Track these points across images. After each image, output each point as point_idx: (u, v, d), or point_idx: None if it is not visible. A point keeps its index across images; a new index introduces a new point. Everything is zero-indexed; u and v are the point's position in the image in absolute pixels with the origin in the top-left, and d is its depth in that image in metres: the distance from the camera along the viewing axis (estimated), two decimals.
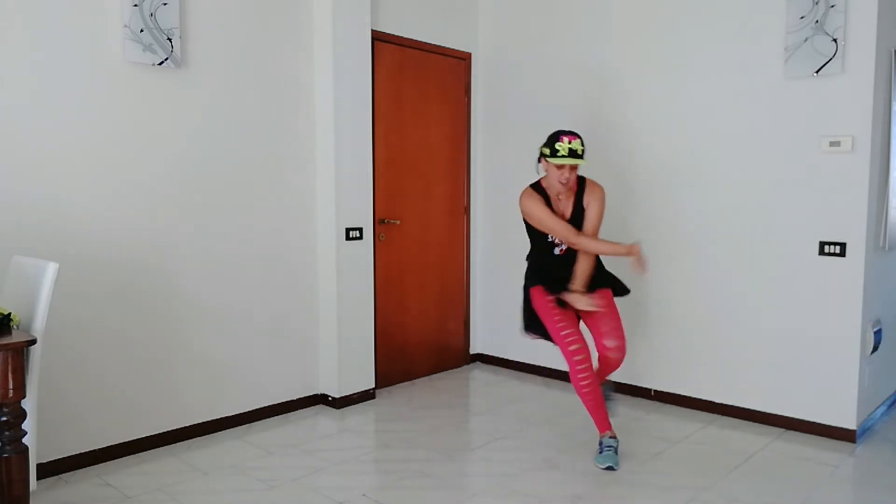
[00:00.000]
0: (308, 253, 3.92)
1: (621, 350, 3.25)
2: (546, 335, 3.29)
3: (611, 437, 3.18)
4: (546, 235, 3.24)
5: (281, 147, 3.75)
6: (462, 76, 4.74)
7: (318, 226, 3.93)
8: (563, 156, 3.03)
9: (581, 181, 3.23)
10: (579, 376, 3.12)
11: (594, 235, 3.22)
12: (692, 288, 3.88)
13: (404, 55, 4.33)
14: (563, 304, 3.21)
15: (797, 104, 3.45)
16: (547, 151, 3.11)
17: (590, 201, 3.22)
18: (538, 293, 3.27)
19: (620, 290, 3.36)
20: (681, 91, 3.85)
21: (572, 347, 3.12)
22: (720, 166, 3.73)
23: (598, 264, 3.32)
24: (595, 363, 3.29)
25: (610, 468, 3.08)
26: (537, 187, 3.26)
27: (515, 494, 2.84)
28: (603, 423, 3.19)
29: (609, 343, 3.22)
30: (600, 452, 3.15)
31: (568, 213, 3.22)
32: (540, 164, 3.21)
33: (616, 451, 3.14)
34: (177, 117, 3.31)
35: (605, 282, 3.32)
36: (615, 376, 4.21)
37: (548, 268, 3.28)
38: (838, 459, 3.21)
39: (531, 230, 3.31)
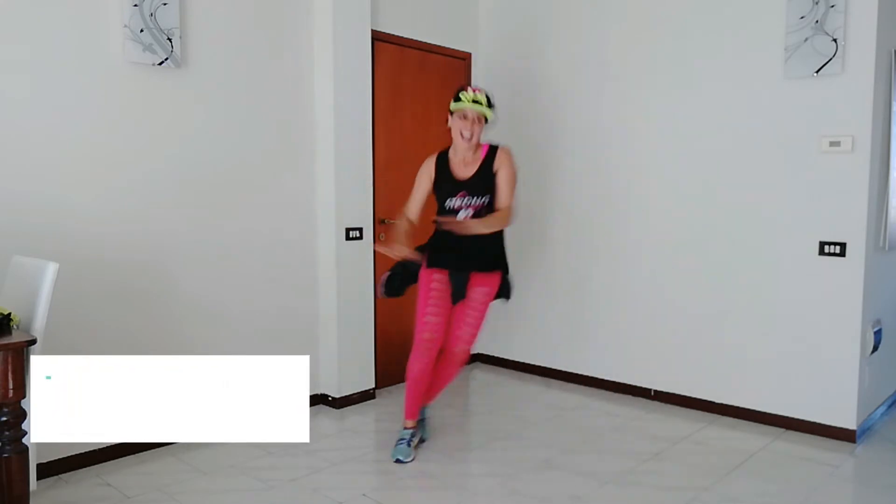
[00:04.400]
0: (308, 253, 3.91)
1: (465, 356, 3.29)
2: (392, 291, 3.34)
3: (406, 429, 3.26)
4: (444, 201, 3.17)
5: (281, 147, 3.75)
6: (462, 76, 4.74)
7: (318, 226, 3.93)
8: (463, 103, 3.07)
9: (492, 149, 3.17)
10: (414, 364, 3.19)
11: (506, 208, 3.13)
12: (692, 288, 3.88)
13: (404, 55, 4.33)
14: (456, 292, 3.17)
15: (797, 104, 3.44)
16: (452, 105, 3.13)
17: (499, 167, 3.13)
18: (426, 274, 3.21)
19: (505, 290, 3.31)
20: (681, 91, 3.85)
21: (425, 335, 3.17)
22: (720, 166, 3.73)
23: (498, 242, 3.23)
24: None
25: (398, 461, 3.13)
26: (442, 153, 3.25)
27: (515, 494, 2.84)
28: (409, 412, 3.27)
29: (458, 348, 3.24)
30: (396, 444, 3.22)
31: (470, 175, 3.13)
32: (449, 125, 3.17)
33: (409, 444, 3.20)
34: (177, 117, 3.31)
35: (496, 265, 3.23)
36: (616, 373, 4.21)
37: (444, 239, 3.14)
38: (838, 459, 3.20)
39: (435, 195, 3.25)
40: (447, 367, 3.29)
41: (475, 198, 3.12)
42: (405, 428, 3.27)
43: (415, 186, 3.27)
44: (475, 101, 3.08)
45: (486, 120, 3.14)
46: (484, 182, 3.13)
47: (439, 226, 3.14)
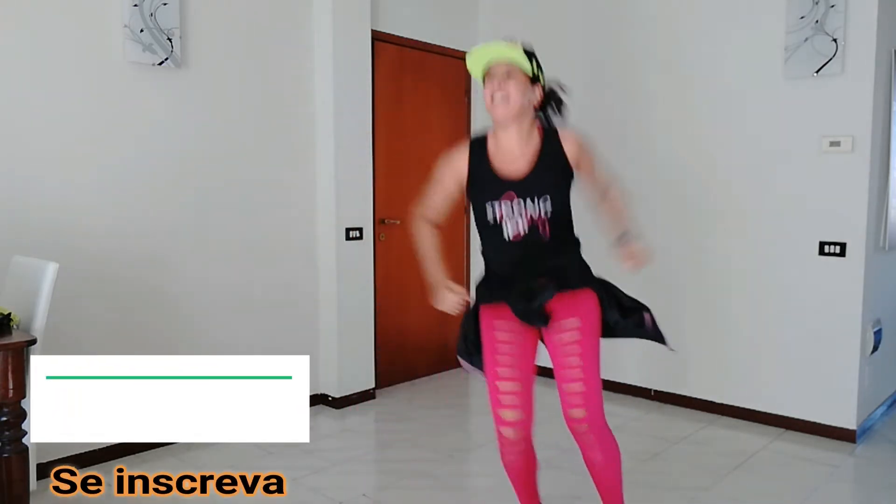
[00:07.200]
0: (308, 253, 3.91)
1: (592, 426, 2.17)
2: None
3: None
4: (482, 208, 2.13)
5: (281, 147, 3.75)
6: (462, 76, 4.73)
7: (318, 226, 3.93)
8: (478, 55, 2.08)
9: (550, 131, 2.15)
10: (505, 456, 2.19)
11: (616, 185, 2.26)
12: (691, 288, 3.87)
13: (404, 55, 4.33)
14: (535, 321, 2.13)
15: (797, 104, 3.44)
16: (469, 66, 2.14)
17: (575, 154, 2.15)
18: (483, 318, 2.24)
19: (629, 308, 2.32)
20: (681, 91, 3.85)
21: (504, 413, 2.11)
22: (720, 166, 3.73)
23: (570, 247, 2.24)
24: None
25: None
26: (477, 139, 2.19)
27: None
28: None
29: (570, 413, 2.15)
30: None
31: (523, 170, 2.09)
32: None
33: None
34: (176, 117, 3.31)
35: (581, 280, 2.24)
36: (616, 373, 4.20)
37: (498, 265, 2.19)
38: (838, 459, 3.21)
39: (472, 207, 2.21)
40: (587, 454, 2.21)
41: (531, 201, 2.07)
42: None
43: (432, 186, 2.24)
44: (495, 50, 2.05)
45: (533, 76, 2.08)
46: (547, 174, 2.09)
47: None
